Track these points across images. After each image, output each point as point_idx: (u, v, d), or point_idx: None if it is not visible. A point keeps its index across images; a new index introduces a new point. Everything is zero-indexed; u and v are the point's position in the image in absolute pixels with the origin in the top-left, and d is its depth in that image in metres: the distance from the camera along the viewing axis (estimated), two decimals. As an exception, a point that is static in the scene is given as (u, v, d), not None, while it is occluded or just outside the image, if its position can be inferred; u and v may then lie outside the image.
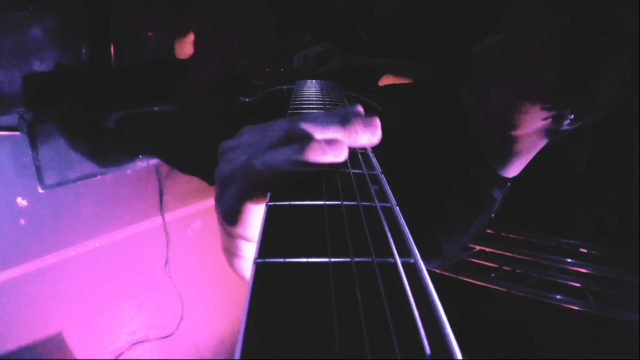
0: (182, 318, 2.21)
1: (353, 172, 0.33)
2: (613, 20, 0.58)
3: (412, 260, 0.23)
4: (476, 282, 2.11)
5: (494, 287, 2.06)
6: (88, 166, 1.84)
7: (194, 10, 1.84)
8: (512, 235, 2.15)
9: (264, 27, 2.07)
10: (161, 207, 2.03)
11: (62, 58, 1.65)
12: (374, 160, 0.38)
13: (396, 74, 1.20)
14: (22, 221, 1.91)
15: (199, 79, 1.95)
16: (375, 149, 0.39)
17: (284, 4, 2.07)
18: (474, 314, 2.05)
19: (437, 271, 2.21)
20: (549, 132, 0.71)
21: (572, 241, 2.05)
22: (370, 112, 0.33)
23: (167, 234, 2.07)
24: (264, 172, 0.29)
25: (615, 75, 0.61)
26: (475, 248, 2.21)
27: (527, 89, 0.66)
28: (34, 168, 1.77)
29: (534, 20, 0.62)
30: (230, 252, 0.35)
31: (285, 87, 0.99)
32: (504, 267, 2.12)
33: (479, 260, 2.19)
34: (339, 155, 0.29)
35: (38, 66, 1.60)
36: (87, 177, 1.84)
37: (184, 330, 2.23)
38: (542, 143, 0.75)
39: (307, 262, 0.22)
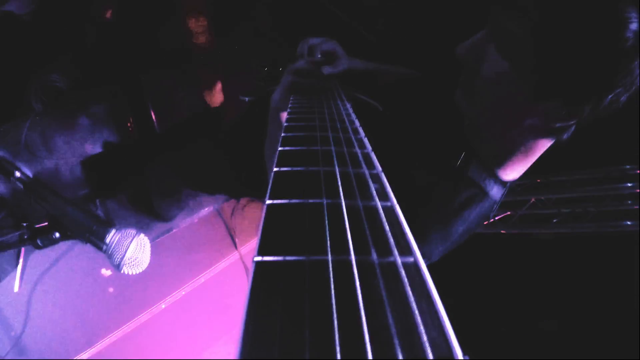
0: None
1: (353, 171, 0.34)
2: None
3: (412, 259, 0.23)
4: (543, 231, 2.20)
5: (560, 231, 2.15)
6: (161, 224, 1.93)
7: (213, 62, 1.93)
8: (560, 178, 2.23)
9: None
10: (234, 243, 2.12)
11: (112, 136, 1.74)
12: (375, 159, 0.38)
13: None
14: (110, 289, 2.00)
15: (234, 111, 2.04)
16: (373, 146, 0.42)
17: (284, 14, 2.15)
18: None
19: (503, 232, 2.31)
20: (545, 131, 0.68)
21: (619, 167, 2.11)
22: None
23: (245, 267, 2.16)
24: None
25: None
26: (530, 200, 2.30)
27: (509, 84, 0.64)
28: (114, 239, 1.85)
29: (509, 17, 0.62)
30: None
31: None
32: (562, 210, 2.21)
33: (537, 210, 2.28)
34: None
35: (92, 149, 1.69)
36: (163, 233, 1.93)
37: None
38: (542, 144, 0.72)
39: (307, 260, 0.22)
